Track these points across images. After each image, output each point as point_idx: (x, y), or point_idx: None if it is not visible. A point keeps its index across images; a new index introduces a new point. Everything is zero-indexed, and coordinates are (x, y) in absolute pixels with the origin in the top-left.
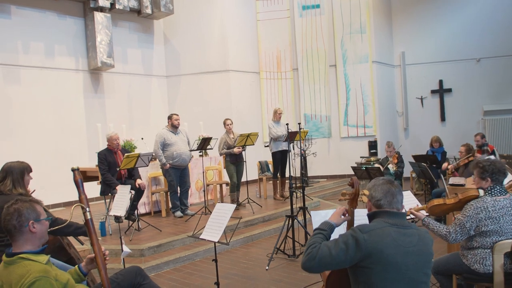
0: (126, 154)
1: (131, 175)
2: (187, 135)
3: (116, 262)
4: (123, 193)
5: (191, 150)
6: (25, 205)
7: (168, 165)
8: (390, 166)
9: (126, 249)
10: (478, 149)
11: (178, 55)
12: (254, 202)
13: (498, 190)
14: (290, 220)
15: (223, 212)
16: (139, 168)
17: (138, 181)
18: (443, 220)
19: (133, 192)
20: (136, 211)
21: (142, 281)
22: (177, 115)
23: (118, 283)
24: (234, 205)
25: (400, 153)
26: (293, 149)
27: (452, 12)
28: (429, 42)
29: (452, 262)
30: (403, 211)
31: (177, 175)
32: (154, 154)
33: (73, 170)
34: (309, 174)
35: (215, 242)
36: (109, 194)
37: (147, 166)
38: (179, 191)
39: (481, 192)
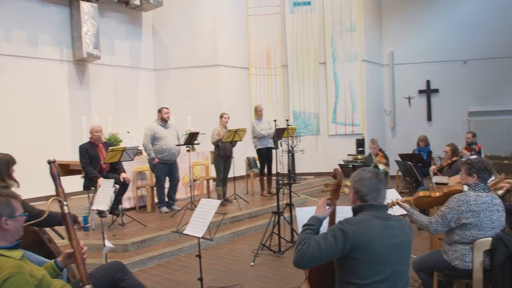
0: (110, 147)
1: (115, 169)
2: (177, 130)
3: (98, 257)
4: (106, 187)
5: (178, 145)
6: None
7: (156, 159)
8: (380, 166)
9: (108, 244)
10: (467, 147)
11: (167, 48)
12: (241, 198)
13: (481, 187)
14: (276, 217)
15: (207, 208)
16: (125, 162)
17: (123, 175)
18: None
19: (117, 186)
20: (120, 206)
21: (124, 276)
22: (167, 108)
23: (98, 278)
24: (219, 201)
25: (385, 151)
26: (281, 146)
27: (440, 14)
28: (418, 43)
29: (434, 259)
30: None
31: (165, 170)
32: (142, 148)
33: (49, 162)
34: (297, 171)
35: (199, 238)
36: (92, 188)
37: (132, 160)
38: (166, 186)
39: (466, 188)
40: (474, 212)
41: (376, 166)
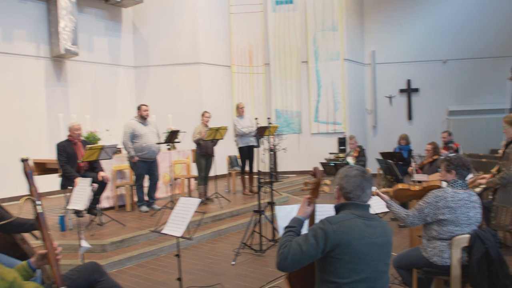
0: (88, 146)
1: (93, 168)
2: (157, 127)
3: (75, 258)
4: (83, 186)
5: (158, 143)
6: None
7: (136, 157)
8: (349, 159)
9: (85, 244)
10: (445, 146)
11: (147, 45)
12: (223, 196)
13: (459, 184)
14: (258, 215)
15: (187, 207)
16: (103, 161)
17: (101, 173)
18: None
19: (95, 185)
20: (98, 205)
21: (100, 277)
22: (146, 105)
23: (73, 280)
24: (199, 200)
25: (365, 149)
26: (263, 144)
27: (421, 14)
28: (399, 43)
29: (413, 256)
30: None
31: (145, 168)
32: (121, 146)
33: (22, 160)
34: (279, 170)
35: (178, 237)
36: (70, 187)
37: (111, 158)
38: (146, 185)
39: (444, 184)
40: (451, 209)
41: (346, 160)
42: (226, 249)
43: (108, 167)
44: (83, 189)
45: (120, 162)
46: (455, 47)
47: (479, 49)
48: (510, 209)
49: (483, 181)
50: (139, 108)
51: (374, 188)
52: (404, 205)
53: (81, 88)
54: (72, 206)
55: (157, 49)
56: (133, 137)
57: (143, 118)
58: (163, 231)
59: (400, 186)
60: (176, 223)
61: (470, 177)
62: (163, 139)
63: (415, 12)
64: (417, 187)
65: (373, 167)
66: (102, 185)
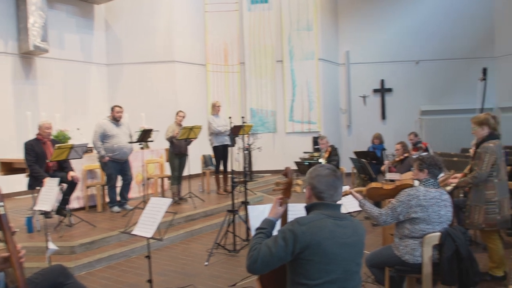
0: (57, 145)
1: (62, 168)
2: (130, 128)
3: (42, 260)
4: (51, 186)
5: (130, 142)
6: None
7: (107, 157)
8: (321, 161)
9: (52, 246)
10: (414, 147)
11: (120, 43)
12: (196, 196)
13: (431, 183)
14: (231, 215)
15: (157, 207)
16: (73, 160)
17: (71, 173)
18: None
19: (64, 185)
20: (68, 206)
21: (65, 281)
22: (120, 107)
23: (37, 284)
24: (170, 200)
25: (337, 148)
26: (238, 143)
27: (395, 15)
28: (373, 43)
29: (385, 254)
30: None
31: (116, 169)
32: (91, 146)
33: None
34: (254, 169)
35: (148, 238)
36: (38, 188)
37: (81, 158)
38: (119, 185)
39: (416, 183)
40: (423, 207)
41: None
42: (199, 249)
43: (78, 167)
44: (50, 189)
45: (91, 162)
46: (428, 48)
47: (451, 50)
48: (483, 208)
49: (455, 180)
50: (112, 109)
51: (347, 187)
52: (378, 204)
53: (51, 86)
54: (39, 207)
55: (130, 47)
56: (105, 137)
57: (115, 120)
58: (133, 232)
59: (373, 185)
60: (147, 224)
61: (441, 176)
62: (135, 138)
63: (389, 13)
64: (390, 186)
65: (347, 166)
66: (71, 185)
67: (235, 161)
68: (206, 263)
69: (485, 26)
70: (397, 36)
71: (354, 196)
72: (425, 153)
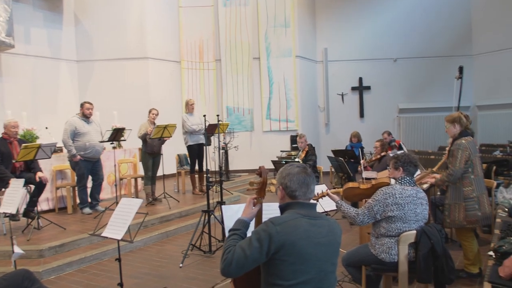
0: (24, 144)
1: (29, 168)
2: (100, 125)
3: (8, 265)
4: (15, 188)
5: (101, 141)
6: None
7: (78, 156)
8: (298, 160)
9: (17, 250)
10: (388, 146)
11: (91, 39)
12: (171, 197)
13: (407, 181)
14: (207, 216)
15: (128, 208)
16: (42, 160)
17: (39, 174)
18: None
19: (32, 186)
20: (36, 208)
21: (30, 285)
22: (90, 103)
23: None
24: (141, 200)
25: (315, 147)
26: (214, 142)
27: (373, 13)
28: (351, 40)
29: (362, 253)
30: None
31: (88, 168)
32: (61, 145)
33: None
34: (231, 168)
35: (118, 240)
36: (3, 189)
37: (50, 158)
38: (90, 185)
39: (393, 181)
40: (399, 205)
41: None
42: (174, 251)
43: (47, 167)
44: (15, 191)
45: (61, 162)
46: (406, 46)
47: (430, 48)
48: (462, 205)
49: (432, 180)
50: (82, 105)
51: (324, 189)
52: (355, 204)
53: (18, 83)
54: (3, 209)
55: (101, 43)
56: (75, 135)
57: (86, 117)
58: (102, 234)
59: (350, 185)
60: (117, 226)
61: (418, 173)
62: (106, 137)
63: (367, 10)
64: (366, 186)
65: (325, 165)
66: (40, 186)
67: (211, 161)
68: (181, 265)
69: (462, 24)
70: (375, 34)
71: (331, 197)
72: (400, 151)
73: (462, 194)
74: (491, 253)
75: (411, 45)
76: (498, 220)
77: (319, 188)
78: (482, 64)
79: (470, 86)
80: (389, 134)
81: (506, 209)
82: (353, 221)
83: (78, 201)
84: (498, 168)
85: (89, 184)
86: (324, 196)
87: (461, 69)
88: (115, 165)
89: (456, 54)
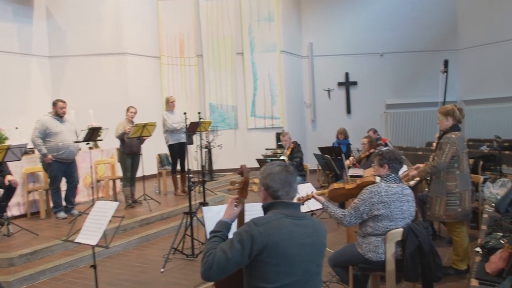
0: None
1: None
2: (75, 125)
3: None
4: None
5: (76, 142)
6: None
7: (50, 156)
8: (283, 157)
9: None
10: (375, 144)
11: (64, 33)
12: (152, 198)
13: (392, 178)
14: (189, 218)
15: (103, 211)
16: (12, 163)
17: (8, 177)
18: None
19: (1, 190)
20: (5, 213)
21: None
22: (64, 102)
23: None
24: (117, 203)
25: (300, 144)
26: (196, 141)
27: (359, 6)
28: (337, 35)
29: (349, 253)
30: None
31: (61, 170)
32: (32, 146)
33: None
34: (215, 168)
35: (93, 246)
36: None
37: (20, 160)
38: (64, 188)
39: (378, 179)
40: (385, 203)
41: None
42: (155, 255)
43: (17, 170)
44: None
45: (32, 164)
46: (392, 40)
47: (416, 42)
48: (444, 199)
49: (415, 172)
50: (54, 104)
51: (310, 190)
52: (342, 205)
53: None
54: None
55: (75, 38)
56: (47, 135)
57: (59, 115)
58: (76, 240)
59: (335, 185)
60: (91, 230)
61: (404, 170)
62: (82, 137)
63: (353, 4)
64: (351, 185)
65: (312, 162)
66: (9, 190)
67: (193, 160)
68: (162, 270)
69: (448, 18)
70: (361, 28)
71: (317, 199)
72: (385, 148)
73: (445, 188)
74: (478, 249)
75: (397, 40)
76: (485, 215)
77: (305, 188)
78: (468, 58)
79: (456, 81)
80: (375, 131)
81: (493, 204)
82: (341, 223)
83: (51, 205)
84: (485, 163)
85: (64, 187)
86: (310, 198)
87: (446, 63)
88: (91, 167)
89: (443, 49)
